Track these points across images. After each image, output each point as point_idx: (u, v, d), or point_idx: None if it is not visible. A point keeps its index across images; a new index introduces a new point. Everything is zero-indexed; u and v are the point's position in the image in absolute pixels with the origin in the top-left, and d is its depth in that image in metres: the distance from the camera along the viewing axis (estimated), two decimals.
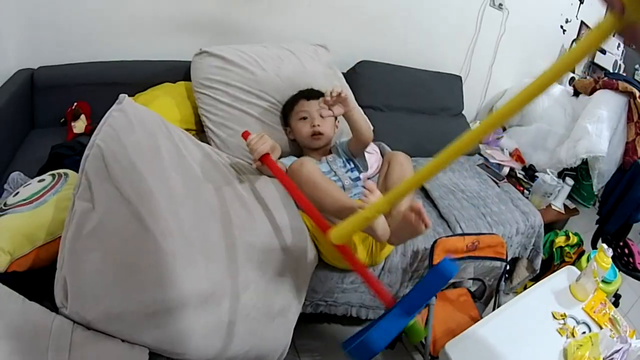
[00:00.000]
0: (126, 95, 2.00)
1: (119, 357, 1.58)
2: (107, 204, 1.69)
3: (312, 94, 2.80)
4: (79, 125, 2.88)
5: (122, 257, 1.64)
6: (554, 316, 2.38)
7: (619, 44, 5.52)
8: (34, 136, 2.90)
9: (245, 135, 2.33)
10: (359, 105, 3.37)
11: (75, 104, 2.93)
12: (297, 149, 2.93)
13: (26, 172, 2.33)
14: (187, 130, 2.83)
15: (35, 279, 1.80)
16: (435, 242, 2.56)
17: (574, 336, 2.28)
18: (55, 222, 1.86)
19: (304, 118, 2.74)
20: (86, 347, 1.52)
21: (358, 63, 3.85)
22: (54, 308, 1.60)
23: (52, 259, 1.74)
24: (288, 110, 2.85)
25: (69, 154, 2.43)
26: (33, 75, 2.86)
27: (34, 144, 2.81)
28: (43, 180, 2.03)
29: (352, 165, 2.79)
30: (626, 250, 4.21)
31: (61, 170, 2.13)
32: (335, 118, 2.84)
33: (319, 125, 2.70)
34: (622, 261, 4.19)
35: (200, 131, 2.97)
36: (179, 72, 3.18)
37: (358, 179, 2.74)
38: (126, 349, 1.60)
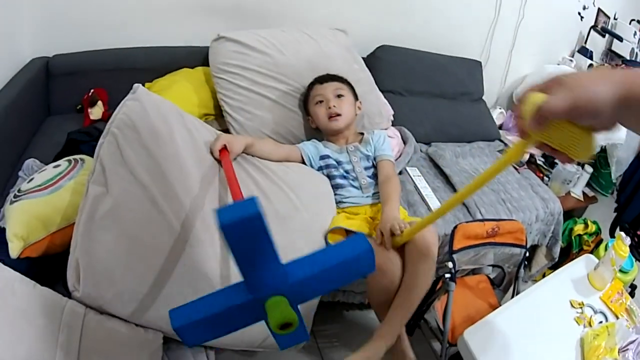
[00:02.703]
0: (140, 85, 2.03)
1: (133, 341, 1.62)
2: (121, 188, 1.73)
3: (326, 78, 2.80)
4: (96, 112, 2.90)
5: (137, 240, 1.68)
6: (571, 304, 2.35)
7: (635, 31, 5.46)
8: (50, 123, 2.92)
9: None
10: (379, 90, 3.41)
11: (92, 90, 2.94)
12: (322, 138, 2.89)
13: (42, 159, 2.36)
14: (206, 115, 2.93)
15: (49, 265, 1.84)
16: (455, 227, 2.54)
17: (591, 325, 2.25)
18: (72, 207, 1.88)
19: (320, 102, 2.72)
20: (98, 331, 1.56)
21: (378, 47, 3.83)
22: (67, 293, 1.63)
23: (67, 244, 1.76)
24: (306, 97, 2.85)
25: (85, 140, 2.45)
26: (48, 63, 2.88)
27: (50, 130, 2.83)
28: (59, 165, 2.06)
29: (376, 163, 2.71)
30: None
31: (77, 156, 2.16)
32: (356, 98, 2.83)
33: (334, 107, 2.67)
34: (639, 250, 4.13)
35: (219, 116, 2.98)
36: (197, 57, 3.18)
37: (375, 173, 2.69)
38: (140, 333, 1.64)
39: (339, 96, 2.72)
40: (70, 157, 2.13)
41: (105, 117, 2.85)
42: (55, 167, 2.04)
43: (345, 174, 2.63)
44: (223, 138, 2.19)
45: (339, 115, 2.68)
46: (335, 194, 2.56)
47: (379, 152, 2.68)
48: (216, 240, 1.79)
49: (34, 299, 1.51)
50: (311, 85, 2.82)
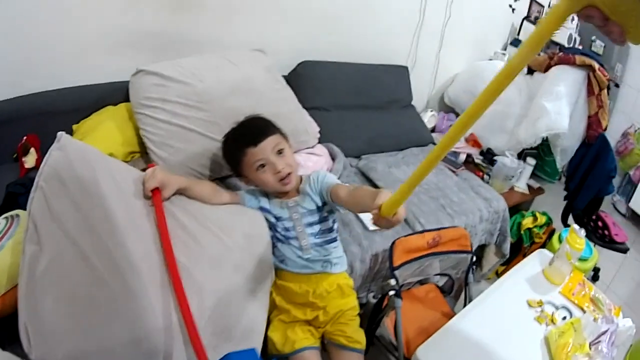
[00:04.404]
0: (63, 133, 1.99)
1: None
2: (53, 245, 1.71)
3: (256, 136, 2.34)
4: (30, 160, 2.82)
5: (74, 297, 1.65)
6: (529, 304, 2.35)
7: (572, 16, 5.49)
8: None
9: (149, 166, 2.21)
10: (304, 107, 3.37)
11: (24, 138, 2.87)
12: None
13: None
14: (132, 152, 2.88)
15: (6, 327, 1.80)
16: (393, 242, 2.49)
17: (554, 323, 2.25)
18: (14, 267, 1.85)
19: (262, 166, 2.32)
20: None
21: (299, 64, 3.81)
22: (24, 354, 1.61)
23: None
24: (236, 164, 2.43)
25: (21, 192, 2.39)
26: None
27: None
28: None
29: (323, 215, 2.40)
30: (600, 223, 4.20)
31: (13, 212, 2.13)
32: (287, 139, 2.48)
33: (283, 169, 2.29)
34: (597, 234, 4.19)
35: (144, 152, 2.90)
36: (120, 93, 3.12)
37: (331, 238, 2.42)
38: None
39: (279, 152, 2.34)
40: (7, 214, 2.11)
41: (39, 164, 2.75)
42: None
43: (285, 232, 2.36)
44: (157, 178, 2.06)
45: (290, 174, 2.33)
46: (274, 252, 2.39)
47: (325, 186, 2.33)
48: (150, 291, 1.75)
49: None
50: (241, 147, 2.36)
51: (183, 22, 3.33)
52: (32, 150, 2.80)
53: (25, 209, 1.96)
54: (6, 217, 2.06)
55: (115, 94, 3.12)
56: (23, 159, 2.78)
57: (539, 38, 1.04)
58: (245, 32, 3.61)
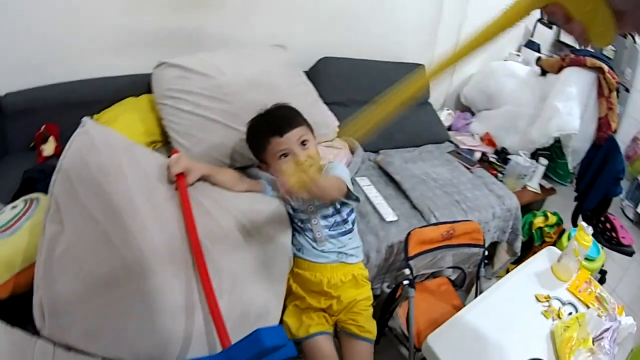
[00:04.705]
0: (89, 118, 2.06)
1: None
2: (76, 226, 1.74)
3: (282, 127, 2.36)
4: (48, 148, 2.87)
5: (94, 276, 1.67)
6: (537, 299, 2.36)
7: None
8: (6, 163, 2.91)
9: (172, 153, 2.27)
10: (324, 102, 3.41)
11: (43, 126, 2.92)
12: None
13: (1, 199, 2.33)
14: (153, 142, 2.92)
15: (18, 305, 1.81)
16: (409, 234, 2.53)
17: (560, 318, 2.26)
18: (31, 247, 1.88)
19: (285, 155, 2.34)
20: None
21: (319, 60, 3.85)
22: (36, 332, 1.63)
23: (32, 283, 1.75)
24: (259, 150, 2.46)
25: (40, 178, 2.42)
26: (1, 102, 2.87)
27: (6, 170, 2.80)
28: (16, 206, 2.06)
29: (337, 207, 2.41)
30: (608, 225, 4.19)
31: (33, 195, 2.15)
32: (312, 129, 2.53)
33: (305, 161, 2.32)
34: (605, 236, 4.17)
35: (166, 142, 2.96)
36: (141, 85, 3.15)
37: (346, 230, 2.42)
38: None
39: (303, 143, 2.37)
40: (26, 197, 2.13)
41: (58, 152, 2.84)
42: (12, 208, 2.05)
43: (300, 223, 2.42)
44: (182, 164, 2.14)
45: (311, 166, 2.33)
46: (292, 240, 2.42)
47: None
48: (171, 271, 1.78)
49: (5, 341, 1.52)
50: (266, 136, 2.37)
51: (202, 19, 3.36)
52: (51, 138, 2.87)
53: (43, 194, 2.08)
54: (25, 200, 2.09)
55: (136, 86, 3.17)
56: (41, 147, 2.84)
57: (496, 30, 1.02)
58: (263, 29, 3.64)
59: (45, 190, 2.06)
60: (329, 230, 2.36)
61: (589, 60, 3.95)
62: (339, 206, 2.38)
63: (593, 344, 2.06)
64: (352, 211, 2.47)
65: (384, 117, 1.25)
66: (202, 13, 3.35)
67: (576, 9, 0.88)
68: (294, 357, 1.60)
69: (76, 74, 3.06)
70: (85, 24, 2.98)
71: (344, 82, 3.83)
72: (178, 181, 2.09)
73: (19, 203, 2.07)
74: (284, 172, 1.95)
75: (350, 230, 2.43)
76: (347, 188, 2.27)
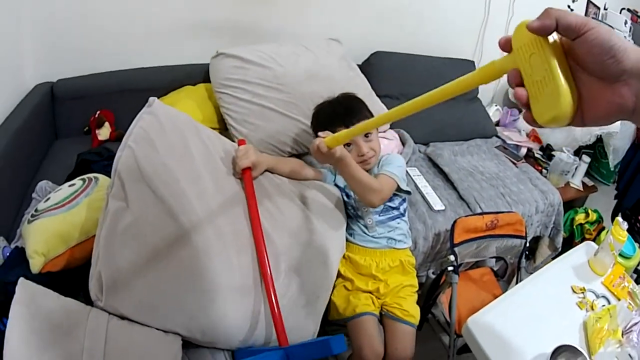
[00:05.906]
0: (155, 98, 2.08)
1: (153, 344, 1.65)
2: (141, 203, 1.78)
3: (351, 118, 2.45)
4: (104, 132, 3.00)
5: (155, 252, 1.73)
6: (573, 290, 2.38)
7: (626, 20, 5.49)
8: (58, 146, 3.02)
9: (239, 142, 2.30)
10: (377, 95, 3.46)
11: (98, 112, 3.04)
12: None
13: (54, 181, 2.44)
14: (211, 129, 2.93)
15: (69, 278, 1.89)
16: (455, 222, 2.60)
17: (593, 309, 2.28)
18: (89, 222, 1.95)
19: (348, 145, 2.42)
20: (121, 336, 1.60)
21: (372, 54, 3.91)
22: (88, 302, 1.69)
23: (86, 257, 1.85)
24: (320, 128, 2.48)
25: (96, 160, 2.53)
26: (53, 88, 2.96)
27: (58, 153, 2.92)
28: (74, 184, 2.12)
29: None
30: None
31: (91, 175, 2.21)
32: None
33: (367, 152, 2.40)
34: None
35: (223, 129, 3.02)
36: (198, 74, 3.27)
37: (395, 215, 2.51)
38: (160, 337, 1.68)
39: (367, 135, 2.44)
40: (84, 176, 2.19)
41: (113, 137, 2.99)
42: (70, 186, 2.10)
43: (353, 210, 2.53)
44: (250, 158, 2.16)
45: (372, 157, 2.45)
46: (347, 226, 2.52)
47: (380, 172, 2.41)
48: (231, 251, 1.85)
49: (58, 309, 1.56)
50: (331, 125, 2.43)
51: (257, 13, 3.46)
52: (107, 123, 2.98)
53: (101, 175, 2.16)
54: (83, 179, 2.15)
55: (192, 75, 3.27)
56: (97, 131, 2.95)
57: (466, 85, 1.07)
58: (317, 24, 3.73)
59: (101, 171, 2.21)
60: (379, 216, 2.46)
61: None
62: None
63: (622, 336, 2.07)
64: (404, 200, 2.55)
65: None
66: (258, 6, 3.44)
67: (527, 74, 0.87)
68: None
69: (129, 62, 3.17)
70: (143, 12, 3.10)
71: (395, 76, 3.87)
72: (244, 174, 2.12)
73: (77, 182, 2.14)
74: None
75: (399, 216, 2.51)
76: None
